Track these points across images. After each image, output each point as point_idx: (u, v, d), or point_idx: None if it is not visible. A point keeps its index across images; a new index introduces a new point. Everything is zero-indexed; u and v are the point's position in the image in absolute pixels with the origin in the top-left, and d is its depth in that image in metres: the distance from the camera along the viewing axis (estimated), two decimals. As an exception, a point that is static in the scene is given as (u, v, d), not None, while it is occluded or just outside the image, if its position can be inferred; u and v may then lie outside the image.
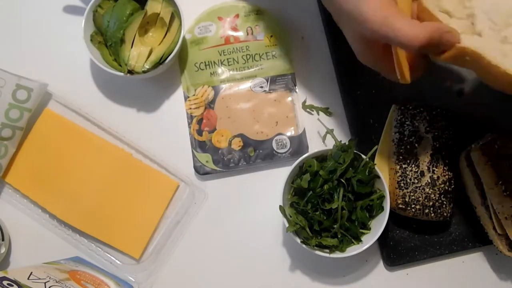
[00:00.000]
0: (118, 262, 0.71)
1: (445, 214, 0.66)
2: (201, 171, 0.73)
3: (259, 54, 0.76)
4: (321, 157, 0.67)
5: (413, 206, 0.65)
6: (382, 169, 0.67)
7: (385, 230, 0.66)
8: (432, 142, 0.66)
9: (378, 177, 0.66)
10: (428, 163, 0.66)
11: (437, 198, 0.65)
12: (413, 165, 0.66)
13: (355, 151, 0.65)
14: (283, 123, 0.74)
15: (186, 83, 0.75)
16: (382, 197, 0.66)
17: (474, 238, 0.70)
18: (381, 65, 0.58)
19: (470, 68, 0.55)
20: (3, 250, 0.69)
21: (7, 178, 0.73)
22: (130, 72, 0.69)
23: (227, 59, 0.76)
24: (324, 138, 0.74)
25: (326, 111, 0.74)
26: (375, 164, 0.66)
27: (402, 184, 0.66)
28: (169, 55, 0.70)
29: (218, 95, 0.75)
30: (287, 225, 0.64)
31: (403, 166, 0.66)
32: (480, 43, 0.52)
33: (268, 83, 0.75)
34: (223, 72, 0.75)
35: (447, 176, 0.66)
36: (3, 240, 0.70)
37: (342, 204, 0.63)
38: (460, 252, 0.71)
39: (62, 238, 0.72)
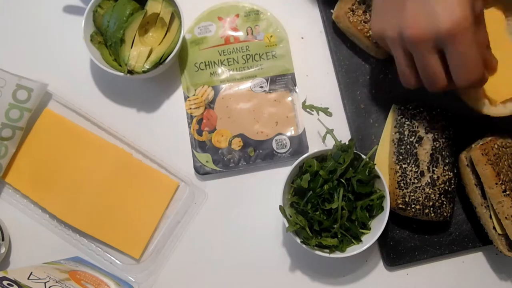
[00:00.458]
0: (118, 262, 0.71)
1: (445, 214, 0.66)
2: (201, 171, 0.73)
3: (259, 54, 0.76)
4: (321, 157, 0.67)
5: (413, 206, 0.65)
6: (382, 169, 0.67)
7: (385, 230, 0.66)
8: (432, 142, 0.66)
9: (378, 177, 0.66)
10: (428, 163, 0.66)
11: (437, 198, 0.65)
12: (413, 165, 0.66)
13: (355, 151, 0.65)
14: (283, 123, 0.74)
15: (186, 83, 0.75)
16: (382, 197, 0.66)
17: (474, 238, 0.70)
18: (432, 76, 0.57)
19: None
20: (3, 250, 0.69)
21: (7, 178, 0.73)
22: (130, 72, 0.69)
23: (227, 59, 0.76)
24: (324, 138, 0.74)
25: (326, 111, 0.74)
26: (375, 164, 0.66)
27: (402, 184, 0.66)
28: (169, 55, 0.70)
29: (218, 95, 0.75)
30: (287, 225, 0.64)
31: (403, 166, 0.66)
32: None
33: (268, 83, 0.75)
34: (223, 72, 0.75)
35: (447, 176, 0.66)
36: (3, 240, 0.70)
37: (342, 204, 0.63)
38: (460, 252, 0.71)
39: (62, 238, 0.72)
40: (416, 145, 0.66)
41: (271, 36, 0.76)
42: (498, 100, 0.65)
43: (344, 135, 0.73)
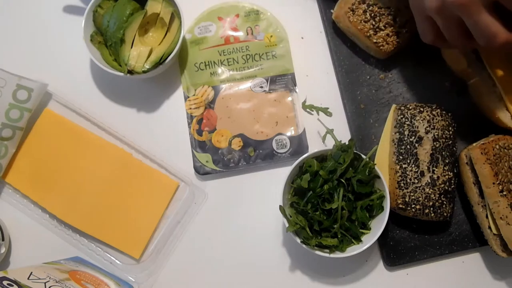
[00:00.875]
0: (118, 262, 0.71)
1: (445, 214, 0.66)
2: (201, 171, 0.73)
3: (259, 54, 0.76)
4: (321, 157, 0.67)
5: (413, 206, 0.65)
6: (382, 169, 0.67)
7: (385, 230, 0.66)
8: (432, 142, 0.66)
9: (378, 177, 0.66)
10: (428, 163, 0.66)
11: (437, 198, 0.65)
12: (413, 165, 0.66)
13: (355, 151, 0.65)
14: (283, 123, 0.74)
15: (186, 83, 0.75)
16: (382, 197, 0.66)
17: (474, 238, 0.70)
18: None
19: None
20: (3, 250, 0.69)
21: (7, 178, 0.73)
22: (130, 72, 0.69)
23: (227, 59, 0.76)
24: (324, 138, 0.74)
25: (326, 111, 0.74)
26: (375, 164, 0.66)
27: (402, 184, 0.66)
28: (169, 55, 0.70)
29: (218, 95, 0.75)
30: (287, 225, 0.64)
31: (403, 166, 0.66)
32: None
33: (268, 83, 0.75)
34: (223, 72, 0.75)
35: (447, 176, 0.66)
36: (3, 240, 0.70)
37: (342, 204, 0.63)
38: (460, 252, 0.71)
39: (62, 238, 0.72)
40: (416, 145, 0.66)
41: (271, 36, 0.76)
42: None
43: (344, 135, 0.73)
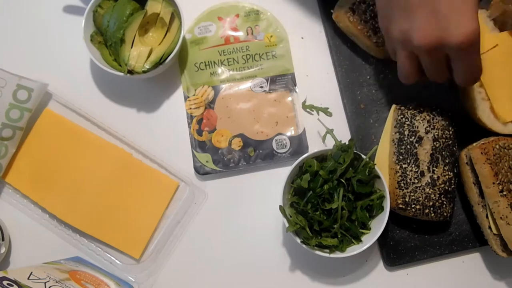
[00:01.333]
0: (118, 262, 0.71)
1: (445, 214, 0.66)
2: (201, 171, 0.73)
3: (259, 54, 0.76)
4: (321, 157, 0.67)
5: (413, 206, 0.65)
6: (382, 169, 0.67)
7: (385, 230, 0.66)
8: (432, 142, 0.66)
9: (378, 177, 0.66)
10: (428, 163, 0.66)
11: (437, 198, 0.65)
12: (413, 165, 0.66)
13: (355, 151, 0.65)
14: (283, 123, 0.74)
15: (186, 83, 0.75)
16: (382, 197, 0.66)
17: (474, 238, 0.70)
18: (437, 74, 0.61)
19: None
20: (3, 250, 0.69)
21: (7, 178, 0.73)
22: (130, 72, 0.69)
23: (227, 59, 0.76)
24: (324, 138, 0.74)
25: (326, 111, 0.74)
26: (375, 164, 0.66)
27: (402, 184, 0.66)
28: (169, 55, 0.70)
29: (218, 95, 0.75)
30: (287, 225, 0.64)
31: (403, 166, 0.66)
32: None
33: (268, 83, 0.75)
34: (223, 72, 0.75)
35: (447, 176, 0.66)
36: (3, 240, 0.70)
37: (342, 204, 0.63)
38: (460, 252, 0.71)
39: (62, 238, 0.72)
40: (416, 145, 0.66)
41: (271, 36, 0.76)
42: (508, 119, 0.66)
43: (344, 135, 0.73)
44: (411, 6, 0.55)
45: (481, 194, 0.66)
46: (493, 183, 0.63)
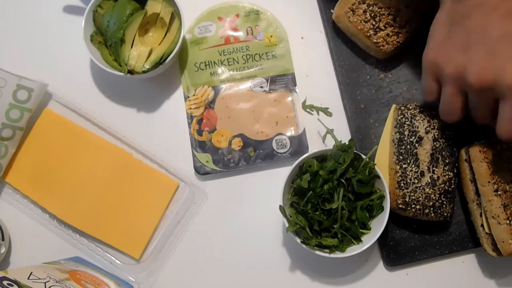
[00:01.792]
0: (118, 262, 0.71)
1: (445, 214, 0.66)
2: (201, 171, 0.73)
3: (259, 54, 0.76)
4: (321, 157, 0.67)
5: (413, 206, 0.65)
6: (382, 169, 0.67)
7: (385, 230, 0.66)
8: (432, 142, 0.66)
9: (378, 177, 0.66)
10: (428, 163, 0.66)
11: (437, 198, 0.65)
12: (413, 165, 0.66)
13: (355, 151, 0.65)
14: (283, 123, 0.74)
15: (186, 83, 0.75)
16: (382, 197, 0.66)
17: (474, 238, 0.70)
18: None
19: None
20: (3, 250, 0.69)
21: (7, 178, 0.73)
22: (130, 72, 0.69)
23: (227, 59, 0.76)
24: (324, 138, 0.74)
25: (326, 111, 0.74)
26: (375, 164, 0.66)
27: (402, 184, 0.66)
28: (169, 55, 0.70)
29: (218, 95, 0.75)
30: (287, 225, 0.64)
31: (403, 166, 0.66)
32: None
33: (268, 83, 0.75)
34: (223, 72, 0.75)
35: (447, 176, 0.66)
36: (3, 240, 0.70)
37: (342, 204, 0.63)
38: (460, 252, 0.71)
39: (62, 238, 0.72)
40: (416, 145, 0.66)
41: (271, 36, 0.76)
42: None
43: (344, 135, 0.73)
44: (471, 42, 0.55)
45: (477, 192, 0.66)
46: (489, 182, 0.63)
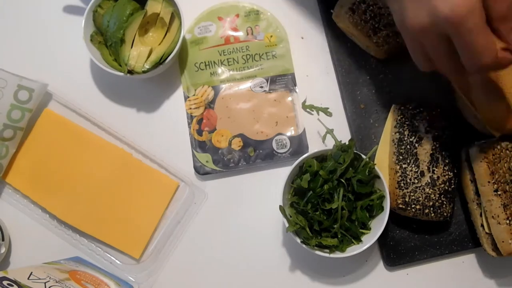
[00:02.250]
0: (118, 262, 0.71)
1: (445, 214, 0.66)
2: (201, 171, 0.73)
3: (259, 54, 0.76)
4: (321, 157, 0.67)
5: (413, 206, 0.65)
6: (382, 169, 0.67)
7: (385, 230, 0.66)
8: (432, 142, 0.66)
9: (378, 177, 0.66)
10: (428, 163, 0.66)
11: (437, 198, 0.65)
12: (413, 165, 0.66)
13: (355, 151, 0.65)
14: (283, 123, 0.74)
15: (186, 83, 0.75)
16: (382, 197, 0.66)
17: (474, 238, 0.70)
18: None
19: None
20: (3, 250, 0.69)
21: (7, 178, 0.73)
22: (130, 72, 0.69)
23: (227, 59, 0.76)
24: (324, 138, 0.74)
25: (326, 111, 0.74)
26: (375, 164, 0.66)
27: (402, 184, 0.66)
28: (169, 55, 0.70)
29: (218, 95, 0.75)
30: (287, 225, 0.64)
31: (403, 166, 0.66)
32: None
33: (268, 83, 0.75)
34: (223, 72, 0.75)
35: (447, 176, 0.66)
36: (3, 240, 0.70)
37: (342, 204, 0.63)
38: (460, 252, 0.71)
39: (62, 238, 0.72)
40: (416, 145, 0.66)
41: (271, 36, 0.76)
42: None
43: (344, 135, 0.73)
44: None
45: (477, 192, 0.66)
46: (488, 182, 0.63)
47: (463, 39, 0.49)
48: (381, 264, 0.72)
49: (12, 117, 0.70)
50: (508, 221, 0.63)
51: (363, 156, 0.65)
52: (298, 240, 0.65)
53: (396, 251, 0.70)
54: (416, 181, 0.65)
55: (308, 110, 0.74)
